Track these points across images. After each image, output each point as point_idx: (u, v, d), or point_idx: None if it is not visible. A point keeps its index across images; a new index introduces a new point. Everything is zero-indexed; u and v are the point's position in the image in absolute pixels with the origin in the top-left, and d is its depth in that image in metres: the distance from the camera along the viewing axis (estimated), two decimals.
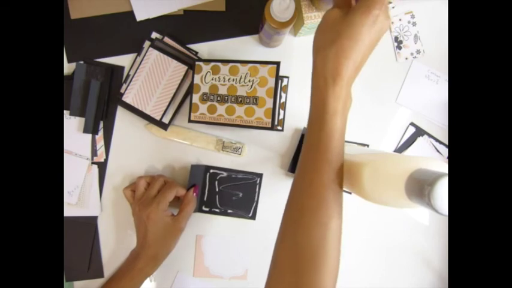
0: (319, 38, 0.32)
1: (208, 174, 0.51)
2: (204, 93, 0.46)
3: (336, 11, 0.32)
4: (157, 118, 0.49)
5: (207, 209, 0.51)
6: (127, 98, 0.49)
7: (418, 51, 0.53)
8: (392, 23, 0.53)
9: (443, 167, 0.28)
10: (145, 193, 0.47)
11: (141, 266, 0.45)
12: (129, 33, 0.51)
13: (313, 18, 0.46)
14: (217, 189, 0.51)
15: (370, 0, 0.29)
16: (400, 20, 0.53)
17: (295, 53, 0.52)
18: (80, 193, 0.51)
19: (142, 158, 0.52)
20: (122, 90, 0.50)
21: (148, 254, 0.45)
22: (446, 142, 0.54)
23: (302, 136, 0.52)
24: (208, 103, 0.46)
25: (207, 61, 0.46)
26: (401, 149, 0.54)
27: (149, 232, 0.45)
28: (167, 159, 0.52)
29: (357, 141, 0.53)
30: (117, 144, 0.51)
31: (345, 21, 0.30)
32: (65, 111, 0.50)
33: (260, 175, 0.51)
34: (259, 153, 0.52)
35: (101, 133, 0.51)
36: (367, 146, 0.53)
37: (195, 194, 0.49)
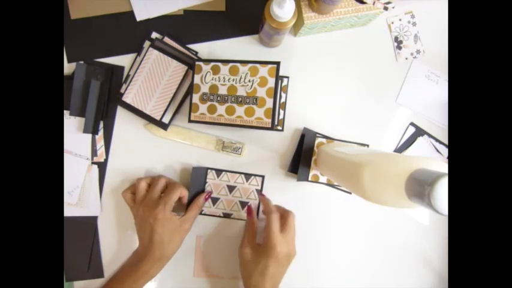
0: (242, 273, 0.46)
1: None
2: (204, 93, 0.46)
3: (245, 249, 0.45)
4: (157, 118, 0.49)
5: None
6: (127, 98, 0.49)
7: (418, 51, 0.53)
8: (392, 23, 0.53)
9: (443, 167, 0.28)
10: (147, 195, 0.47)
11: (146, 268, 0.45)
12: (129, 33, 0.51)
13: (313, 18, 0.46)
14: None
15: (269, 243, 0.42)
16: (400, 20, 0.53)
17: (295, 53, 0.52)
18: (80, 193, 0.51)
19: (142, 158, 0.52)
20: (122, 90, 0.50)
21: (154, 255, 0.45)
22: (446, 142, 0.54)
23: (302, 136, 0.52)
24: (208, 103, 0.46)
25: (207, 61, 0.46)
26: (401, 149, 0.54)
27: (156, 233, 0.44)
28: (167, 159, 0.52)
29: (357, 141, 0.53)
30: (117, 144, 0.51)
31: (254, 261, 0.43)
32: (65, 111, 0.50)
33: (262, 176, 0.52)
34: (259, 153, 0.52)
35: (101, 133, 0.51)
36: (367, 146, 0.53)
37: (206, 200, 0.50)
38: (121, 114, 0.51)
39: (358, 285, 0.54)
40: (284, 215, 0.46)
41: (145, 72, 0.49)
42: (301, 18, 0.46)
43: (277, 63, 0.44)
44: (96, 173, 0.51)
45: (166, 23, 0.51)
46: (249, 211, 0.49)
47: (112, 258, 0.52)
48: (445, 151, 0.54)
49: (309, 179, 0.51)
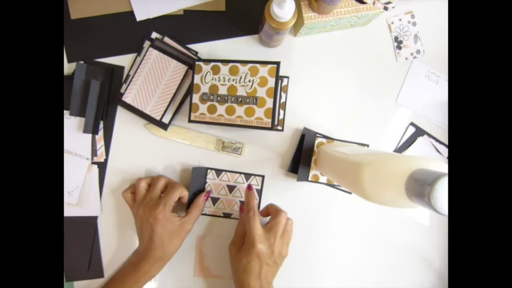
0: (231, 271, 0.46)
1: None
2: (204, 93, 0.46)
3: (232, 247, 0.46)
4: (157, 118, 0.49)
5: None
6: (127, 98, 0.49)
7: (418, 51, 0.53)
8: (393, 23, 0.53)
9: (443, 167, 0.28)
10: (147, 195, 0.47)
11: (146, 268, 0.45)
12: (129, 33, 0.51)
13: (313, 18, 0.46)
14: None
15: (248, 240, 0.42)
16: (400, 20, 0.53)
17: (295, 53, 0.52)
18: (80, 193, 0.51)
19: (142, 158, 0.52)
20: (122, 90, 0.50)
21: (154, 255, 0.45)
22: (446, 142, 0.54)
23: (302, 136, 0.52)
24: (208, 103, 0.46)
25: (207, 61, 0.46)
26: (401, 149, 0.54)
27: (156, 233, 0.44)
28: (167, 159, 0.52)
29: (357, 141, 0.53)
30: (117, 144, 0.51)
31: (238, 258, 0.43)
32: (65, 111, 0.50)
33: (262, 176, 0.52)
34: (259, 153, 0.52)
35: (101, 133, 0.51)
36: (367, 146, 0.53)
37: (205, 200, 0.50)
38: (121, 114, 0.51)
39: (358, 285, 0.54)
40: (275, 214, 0.45)
41: (145, 72, 0.49)
42: (301, 18, 0.46)
43: (277, 63, 0.44)
44: (96, 173, 0.51)
45: (166, 23, 0.51)
46: (241, 209, 0.49)
47: (112, 258, 0.52)
48: (445, 151, 0.54)
49: (309, 179, 0.51)
